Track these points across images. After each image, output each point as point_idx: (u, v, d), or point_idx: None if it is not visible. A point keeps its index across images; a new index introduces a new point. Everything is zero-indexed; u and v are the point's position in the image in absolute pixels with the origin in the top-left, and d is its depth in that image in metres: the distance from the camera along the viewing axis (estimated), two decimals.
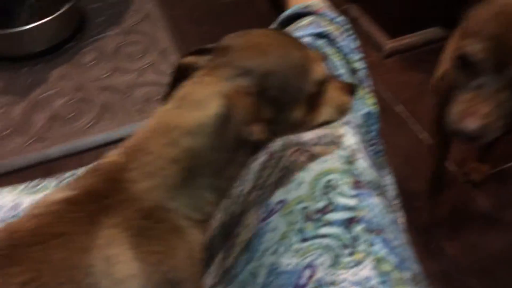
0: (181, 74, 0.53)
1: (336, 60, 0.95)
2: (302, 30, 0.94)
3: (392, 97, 1.30)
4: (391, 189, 0.77)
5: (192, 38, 1.50)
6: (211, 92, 0.48)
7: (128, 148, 0.50)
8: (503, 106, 0.69)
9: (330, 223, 0.54)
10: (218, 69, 0.49)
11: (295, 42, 0.54)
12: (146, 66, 1.32)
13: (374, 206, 0.56)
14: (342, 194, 0.56)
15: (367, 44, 1.47)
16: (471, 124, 0.69)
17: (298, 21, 1.01)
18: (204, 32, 1.53)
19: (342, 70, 0.95)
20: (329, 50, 0.94)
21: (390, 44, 1.43)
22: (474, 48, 0.68)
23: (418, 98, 1.29)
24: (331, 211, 0.55)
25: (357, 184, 0.57)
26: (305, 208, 0.56)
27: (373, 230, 0.53)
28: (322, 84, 0.54)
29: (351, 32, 1.04)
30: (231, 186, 0.54)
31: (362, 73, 1.02)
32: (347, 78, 0.93)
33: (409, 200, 1.10)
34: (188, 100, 0.48)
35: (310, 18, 1.00)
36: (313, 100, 0.54)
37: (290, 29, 1.00)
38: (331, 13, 1.01)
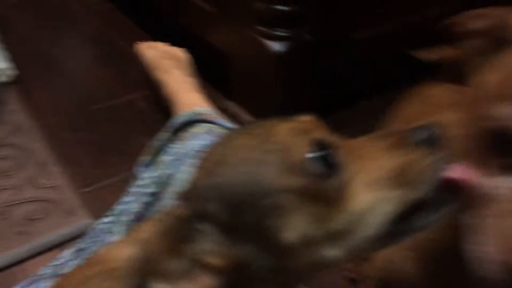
0: None
1: None
2: (198, 137, 0.95)
3: None
4: None
5: (71, 146, 1.43)
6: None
7: None
8: None
9: None
10: None
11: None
12: (23, 182, 1.22)
13: None
14: None
15: None
16: None
17: (191, 127, 1.02)
18: (82, 138, 1.46)
19: None
20: None
21: None
22: None
23: None
24: None
25: None
26: None
27: None
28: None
29: None
30: None
31: None
32: None
33: None
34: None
35: (205, 126, 1.01)
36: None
37: (185, 135, 1.00)
38: (224, 121, 1.05)
